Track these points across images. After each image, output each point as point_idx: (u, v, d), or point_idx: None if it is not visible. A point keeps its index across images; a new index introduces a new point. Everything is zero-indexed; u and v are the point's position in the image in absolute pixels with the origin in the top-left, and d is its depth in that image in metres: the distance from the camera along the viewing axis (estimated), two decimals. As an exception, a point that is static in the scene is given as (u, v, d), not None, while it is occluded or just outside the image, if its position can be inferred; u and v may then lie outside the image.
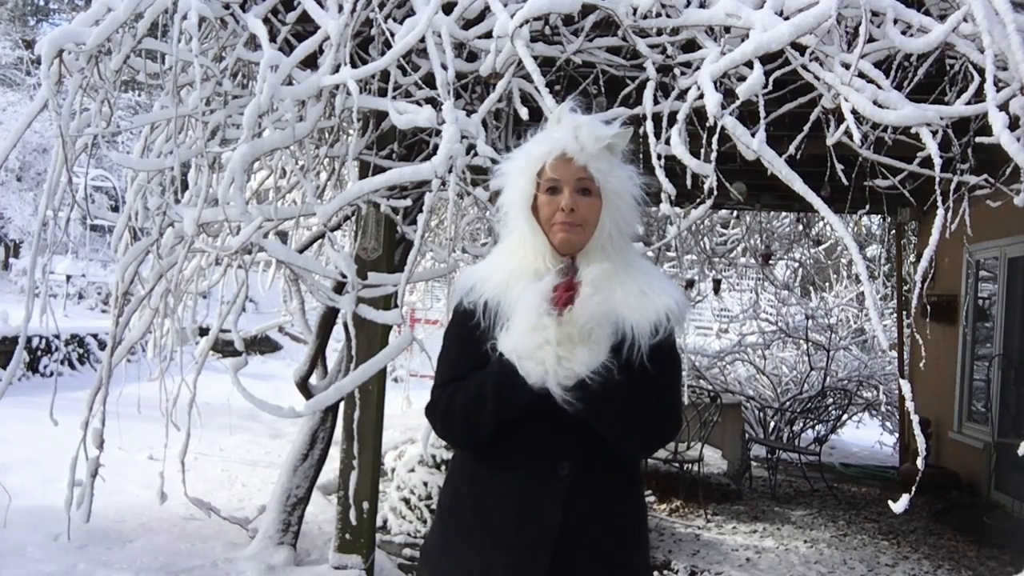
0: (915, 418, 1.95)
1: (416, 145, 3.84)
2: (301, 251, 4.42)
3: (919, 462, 1.94)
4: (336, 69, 2.83)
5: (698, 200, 2.83)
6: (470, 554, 1.63)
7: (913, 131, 2.41)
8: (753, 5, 2.43)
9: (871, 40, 2.61)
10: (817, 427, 8.79)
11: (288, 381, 5.09)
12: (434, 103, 2.86)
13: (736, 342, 10.44)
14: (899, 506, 1.84)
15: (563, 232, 1.62)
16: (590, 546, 1.61)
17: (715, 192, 2.55)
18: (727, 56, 2.34)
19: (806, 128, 2.95)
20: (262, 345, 15.14)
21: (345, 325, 3.28)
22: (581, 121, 1.65)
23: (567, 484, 1.59)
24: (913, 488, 1.92)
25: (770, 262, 9.66)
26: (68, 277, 14.62)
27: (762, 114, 2.41)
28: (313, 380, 4.47)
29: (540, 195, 1.65)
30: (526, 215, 1.65)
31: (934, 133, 2.46)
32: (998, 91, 2.10)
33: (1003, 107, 2.14)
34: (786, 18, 2.27)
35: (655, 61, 2.91)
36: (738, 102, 2.33)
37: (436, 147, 2.88)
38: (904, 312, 8.19)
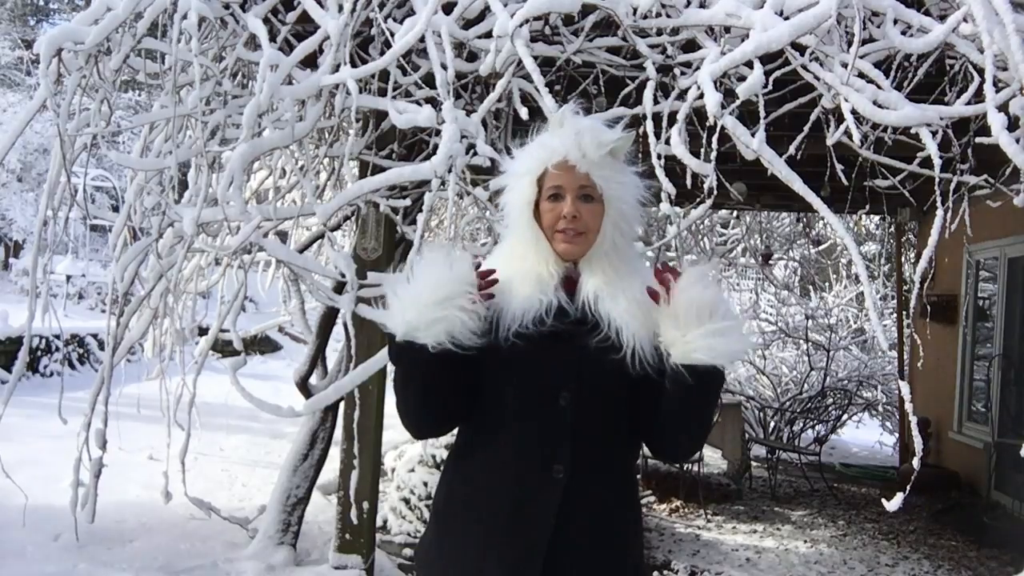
0: (913, 420, 1.96)
1: (416, 145, 3.84)
2: (301, 251, 4.42)
3: (915, 462, 1.95)
4: (336, 69, 2.83)
5: (698, 200, 2.83)
6: (465, 556, 1.63)
7: (913, 131, 2.41)
8: (753, 5, 2.43)
9: (871, 40, 2.61)
10: (817, 427, 8.79)
11: (288, 381, 5.09)
12: (434, 103, 2.86)
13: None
14: (893, 504, 1.85)
15: (565, 243, 1.63)
16: (584, 548, 1.61)
17: (715, 192, 2.55)
18: (727, 56, 2.33)
19: (806, 128, 2.95)
20: (262, 345, 15.14)
21: (345, 325, 3.28)
22: (583, 126, 1.63)
23: (562, 487, 1.59)
24: (907, 487, 1.92)
25: (770, 262, 9.65)
26: (68, 277, 14.63)
27: (762, 114, 2.41)
28: (313, 380, 4.48)
29: (543, 201, 1.65)
30: (528, 220, 1.65)
31: (934, 133, 2.46)
32: (998, 91, 2.10)
33: (1003, 107, 2.14)
34: (786, 18, 2.27)
35: (655, 61, 2.91)
36: (738, 102, 2.33)
37: (436, 147, 2.88)
38: (904, 312, 8.20)
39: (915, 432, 1.97)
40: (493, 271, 1.60)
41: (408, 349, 1.57)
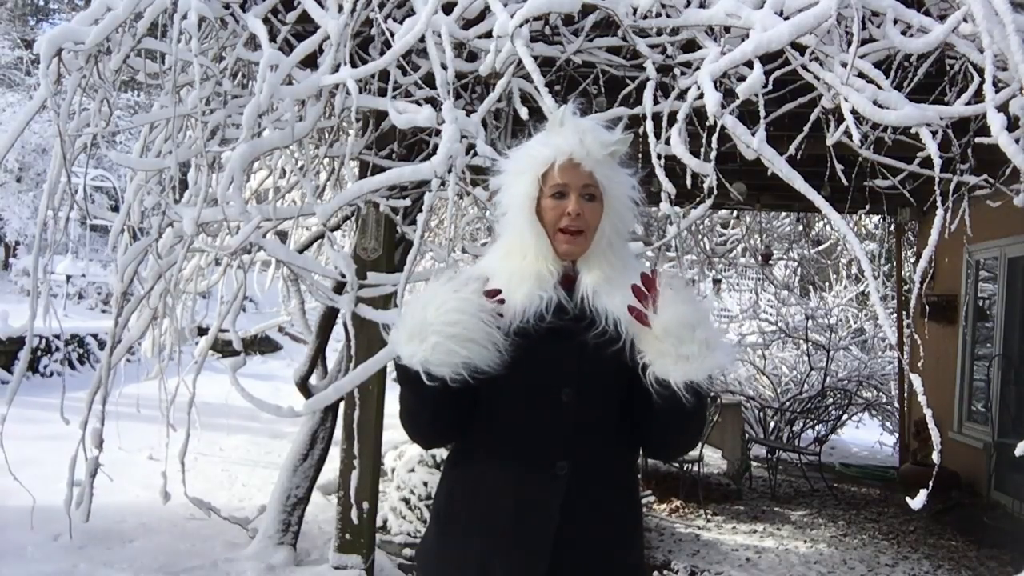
0: (928, 412, 1.95)
1: (416, 145, 3.84)
2: (301, 251, 4.42)
3: (935, 456, 1.94)
4: (336, 69, 2.83)
5: (698, 200, 2.83)
6: (468, 556, 1.62)
7: (913, 131, 2.41)
8: (753, 5, 2.43)
9: (871, 40, 2.61)
10: (817, 427, 8.79)
11: (288, 381, 5.09)
12: (434, 103, 2.86)
13: (736, 342, 10.43)
14: (917, 502, 1.84)
15: (566, 244, 1.64)
16: (588, 546, 1.61)
17: (715, 192, 2.55)
18: (727, 56, 2.33)
19: (806, 128, 2.95)
20: (262, 345, 15.14)
21: (345, 325, 3.28)
22: (586, 126, 1.65)
23: (565, 484, 1.59)
24: (931, 483, 1.91)
25: (770, 262, 9.65)
26: (68, 277, 14.62)
27: (762, 114, 2.41)
28: (313, 380, 4.48)
29: (545, 199, 1.65)
30: (529, 218, 1.65)
31: (934, 133, 2.46)
32: (997, 91, 2.10)
33: (1003, 107, 2.14)
34: (786, 18, 2.27)
35: (655, 61, 2.91)
36: (738, 102, 2.33)
37: (436, 147, 2.88)
38: (904, 312, 8.19)
39: (931, 425, 1.96)
40: (499, 291, 1.58)
41: (422, 380, 1.54)
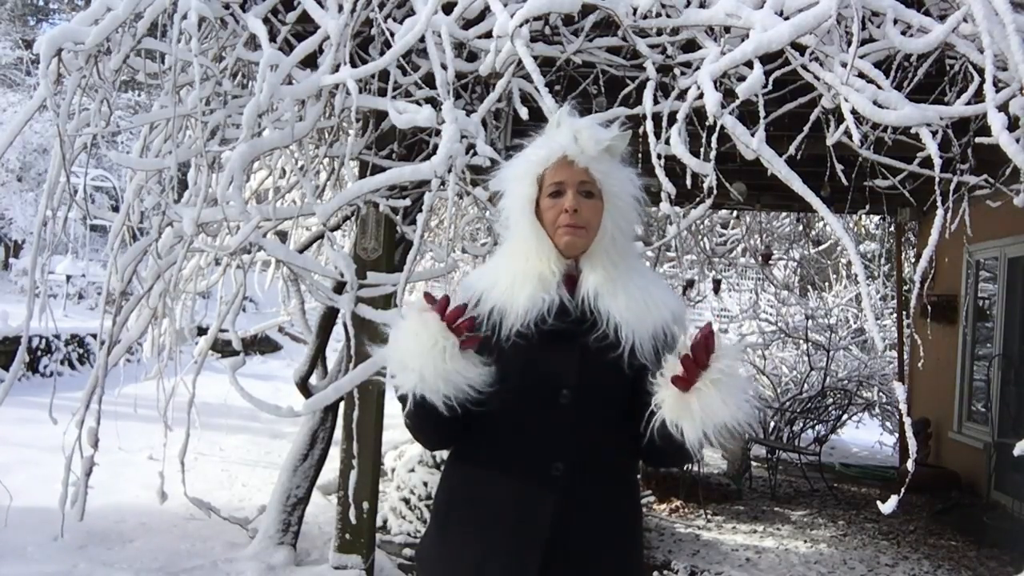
0: (907, 421, 1.96)
1: (416, 145, 3.84)
2: (301, 251, 4.42)
3: (909, 464, 1.95)
4: (336, 69, 2.83)
5: (698, 200, 2.83)
6: (465, 555, 1.63)
7: (913, 131, 2.41)
8: (753, 5, 2.43)
9: (871, 40, 2.61)
10: (817, 427, 8.78)
11: (288, 381, 5.09)
12: (434, 103, 2.86)
13: (736, 342, 10.40)
14: (888, 507, 1.85)
15: (568, 236, 1.64)
16: (584, 546, 1.61)
17: (715, 192, 2.55)
18: (727, 56, 2.34)
19: (806, 128, 2.95)
20: (262, 345, 15.14)
21: (345, 325, 3.28)
22: (581, 124, 1.67)
23: (560, 485, 1.59)
24: (902, 490, 1.93)
25: (770, 262, 9.64)
26: (68, 277, 14.62)
27: (762, 114, 2.41)
28: (313, 380, 4.47)
29: (543, 199, 1.66)
30: (530, 219, 1.66)
31: (934, 133, 2.46)
32: (998, 91, 2.10)
33: (1003, 107, 2.14)
34: (786, 18, 2.27)
35: (655, 61, 2.91)
36: (738, 102, 2.33)
37: (436, 147, 2.88)
38: (904, 312, 8.19)
39: (909, 435, 1.97)
40: (465, 307, 1.54)
41: (420, 403, 1.55)
